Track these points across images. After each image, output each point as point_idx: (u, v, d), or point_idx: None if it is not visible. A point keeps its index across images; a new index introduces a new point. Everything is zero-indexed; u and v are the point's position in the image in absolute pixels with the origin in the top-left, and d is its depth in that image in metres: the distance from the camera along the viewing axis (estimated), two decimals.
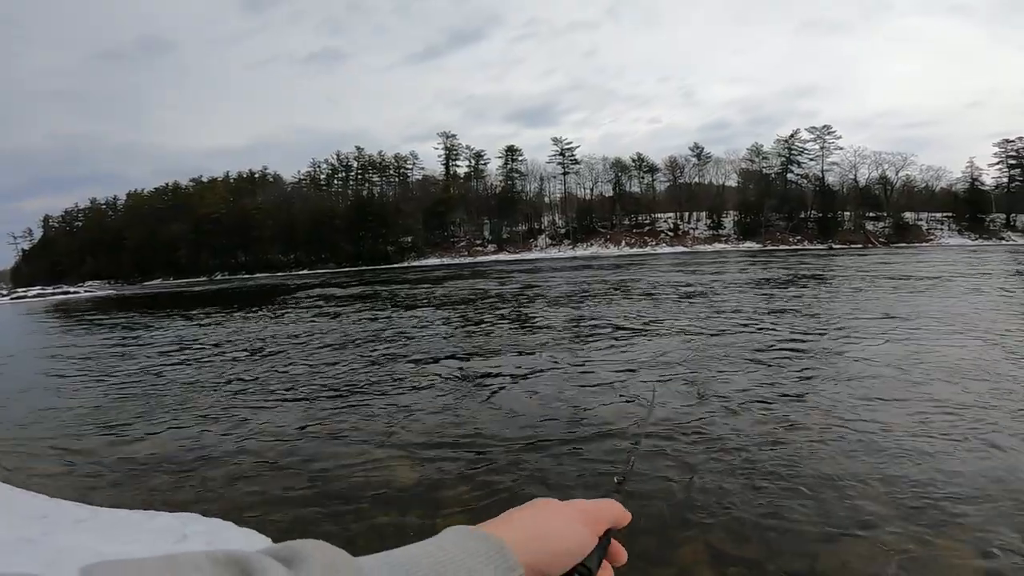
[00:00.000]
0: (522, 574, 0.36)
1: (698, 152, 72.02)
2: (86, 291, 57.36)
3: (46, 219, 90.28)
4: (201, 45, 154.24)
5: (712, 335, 9.06)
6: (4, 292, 63.14)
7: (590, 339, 9.33)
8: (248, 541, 3.35)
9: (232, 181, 80.00)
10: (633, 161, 73.26)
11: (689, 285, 18.60)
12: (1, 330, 21.63)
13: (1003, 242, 56.60)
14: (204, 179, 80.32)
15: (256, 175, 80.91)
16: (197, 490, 4.29)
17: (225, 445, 5.23)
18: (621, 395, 6.00)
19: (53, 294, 53.18)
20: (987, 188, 64.88)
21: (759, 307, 12.30)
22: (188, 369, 9.11)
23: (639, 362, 7.44)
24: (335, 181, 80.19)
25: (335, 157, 79.47)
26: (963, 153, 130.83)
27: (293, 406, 6.37)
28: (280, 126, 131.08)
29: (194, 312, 20.21)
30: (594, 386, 6.38)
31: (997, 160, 64.44)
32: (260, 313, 17.79)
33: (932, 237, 62.00)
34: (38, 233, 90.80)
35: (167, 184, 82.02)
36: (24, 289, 62.21)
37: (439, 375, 7.41)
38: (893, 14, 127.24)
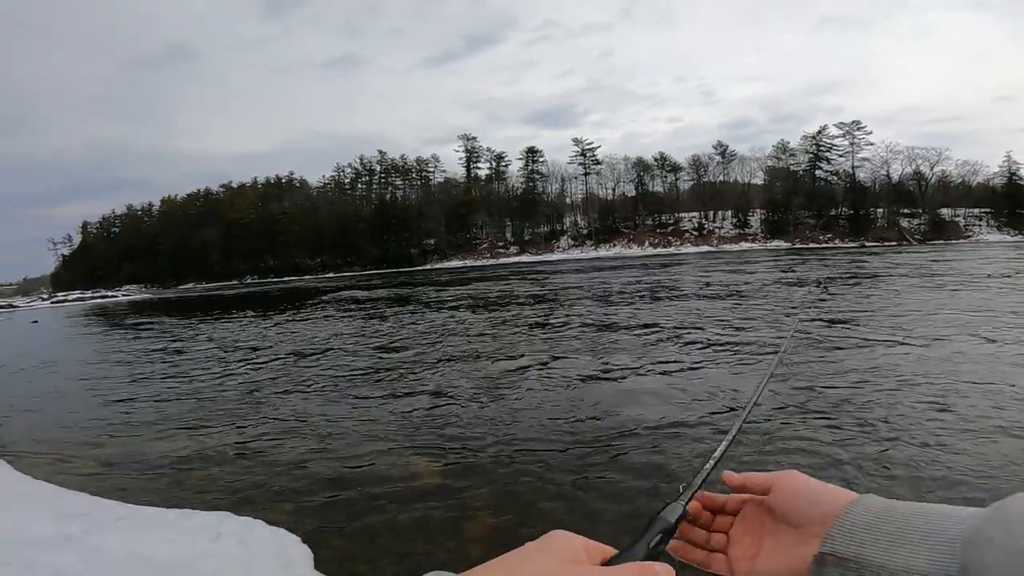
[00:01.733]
0: None
1: (722, 150, 70.80)
2: (124, 295, 59.57)
3: (84, 226, 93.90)
4: (224, 52, 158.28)
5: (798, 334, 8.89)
6: (45, 296, 66.04)
7: (615, 341, 9.25)
8: (278, 538, 3.42)
9: (260, 187, 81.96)
10: (655, 160, 72.44)
11: (748, 283, 18.29)
12: (45, 332, 22.59)
13: None
14: (234, 185, 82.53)
15: (283, 180, 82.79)
16: (231, 489, 4.40)
17: (259, 445, 5.35)
18: (661, 405, 5.92)
19: (92, 298, 55.38)
20: None
21: (828, 304, 12.01)
22: (224, 370, 9.36)
23: (674, 353, 7.33)
24: (359, 185, 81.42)
25: (358, 161, 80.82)
26: (999, 147, 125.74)
27: (324, 406, 6.48)
28: (301, 130, 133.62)
29: (230, 315, 20.78)
30: (643, 392, 6.32)
31: None
32: (291, 316, 18.18)
33: (970, 233, 59.62)
34: (77, 239, 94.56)
35: (199, 190, 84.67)
36: (64, 293, 64.92)
37: (470, 376, 7.44)
38: (910, 10, 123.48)
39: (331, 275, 62.79)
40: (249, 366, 9.55)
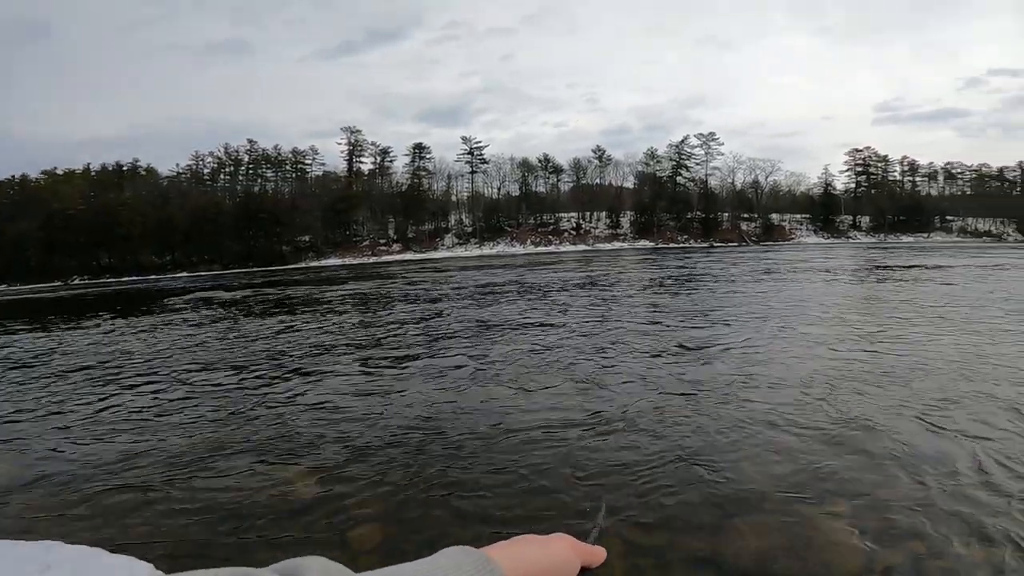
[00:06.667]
0: None
1: (600, 154, 75.49)
2: None
3: None
4: (87, 31, 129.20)
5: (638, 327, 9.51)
6: None
7: (494, 334, 9.38)
8: (127, 568, 2.91)
9: (94, 174, 70.19)
10: (539, 162, 75.13)
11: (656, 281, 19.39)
12: None
13: (849, 240, 65.94)
14: (59, 171, 69.60)
15: (124, 168, 71.70)
16: (68, 515, 3.73)
17: (101, 463, 4.54)
18: (551, 406, 6.07)
19: None
20: (838, 192, 75.28)
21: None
22: (37, 387, 7.81)
23: (543, 358, 7.60)
24: (222, 176, 73.41)
25: (222, 150, 72.80)
26: (820, 161, 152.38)
27: (170, 422, 5.69)
28: (172, 118, 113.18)
29: (53, 322, 17.42)
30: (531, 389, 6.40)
31: (847, 168, 75.38)
32: (130, 323, 15.77)
33: (793, 236, 70.46)
34: None
35: (13, 177, 69.92)
36: None
37: (348, 380, 7.03)
38: (772, 33, 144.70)
39: (185, 274, 55.85)
40: (79, 378, 8.10)
